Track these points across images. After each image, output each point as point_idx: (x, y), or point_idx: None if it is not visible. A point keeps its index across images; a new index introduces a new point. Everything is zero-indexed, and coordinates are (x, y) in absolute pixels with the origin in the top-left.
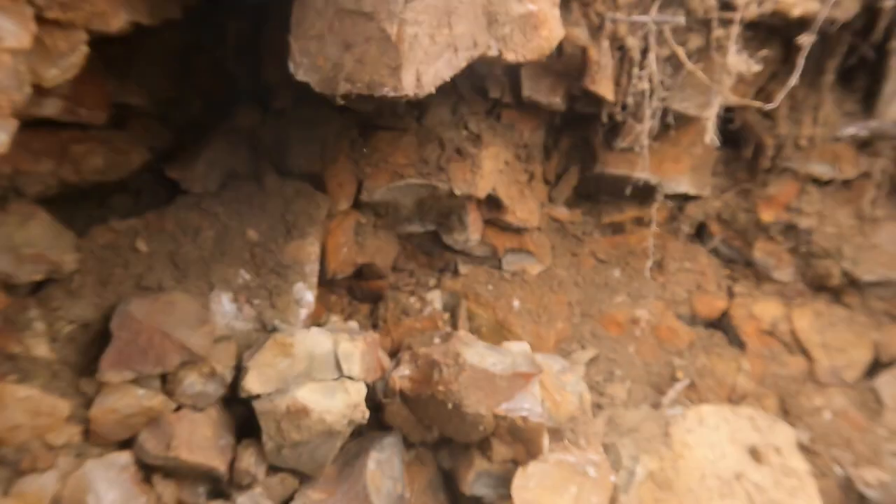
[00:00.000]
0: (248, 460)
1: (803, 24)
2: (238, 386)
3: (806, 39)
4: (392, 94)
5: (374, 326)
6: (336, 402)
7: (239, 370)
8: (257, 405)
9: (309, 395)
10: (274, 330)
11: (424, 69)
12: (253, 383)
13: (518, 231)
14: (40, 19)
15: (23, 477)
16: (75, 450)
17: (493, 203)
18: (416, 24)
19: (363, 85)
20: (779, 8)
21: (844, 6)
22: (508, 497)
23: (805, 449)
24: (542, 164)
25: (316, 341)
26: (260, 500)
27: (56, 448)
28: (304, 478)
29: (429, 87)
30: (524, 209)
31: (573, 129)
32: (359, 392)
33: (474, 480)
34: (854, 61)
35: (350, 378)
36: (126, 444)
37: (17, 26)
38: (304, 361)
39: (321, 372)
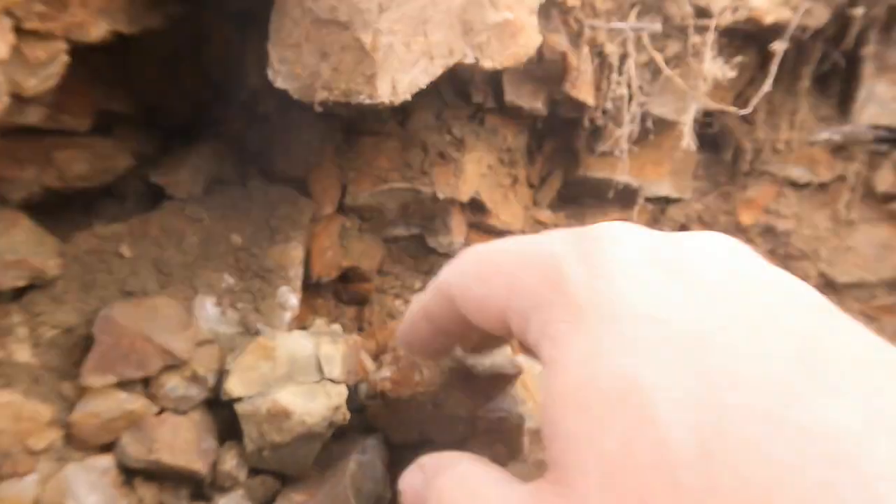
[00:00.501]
0: (230, 463)
1: (777, 31)
2: (220, 389)
3: (778, 46)
4: (368, 101)
5: (360, 329)
6: (317, 405)
7: (222, 373)
8: (239, 408)
9: (290, 398)
10: (257, 333)
11: (400, 77)
12: (235, 386)
13: (502, 234)
14: (18, 30)
15: (2, 482)
16: (56, 454)
17: (476, 207)
18: (390, 34)
19: (340, 93)
20: (752, 15)
21: (816, 14)
22: None
23: None
24: (526, 167)
25: (298, 344)
26: (241, 502)
27: (37, 453)
28: (285, 479)
29: (404, 94)
30: (508, 213)
31: (556, 133)
32: (339, 394)
33: None
34: (828, 67)
35: (331, 380)
36: (107, 448)
37: None
38: (285, 364)
39: (303, 374)
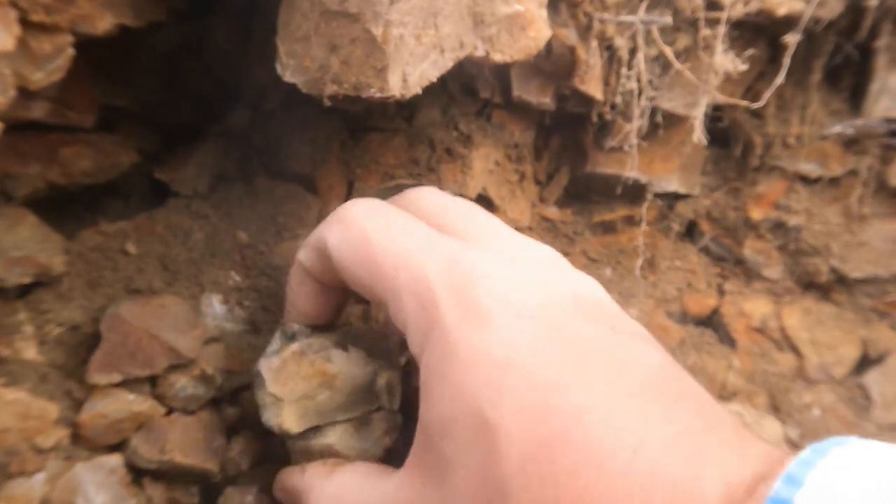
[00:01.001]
0: (236, 450)
1: (789, 23)
2: (265, 418)
3: (791, 39)
4: (378, 94)
5: None
6: (370, 444)
7: (251, 384)
8: (291, 444)
9: (343, 441)
10: (293, 337)
11: (410, 70)
12: (291, 421)
13: None
14: (24, 22)
15: (11, 480)
16: (64, 453)
17: (483, 203)
18: (401, 26)
19: (349, 86)
20: (764, 7)
21: (829, 5)
22: None
23: (794, 445)
24: (533, 164)
25: (358, 370)
26: (250, 490)
27: (45, 451)
28: None
29: (415, 87)
30: (515, 209)
31: (563, 128)
32: (395, 428)
33: None
34: (840, 60)
35: (389, 410)
36: (115, 447)
37: (1, 30)
38: (345, 394)
39: (360, 404)
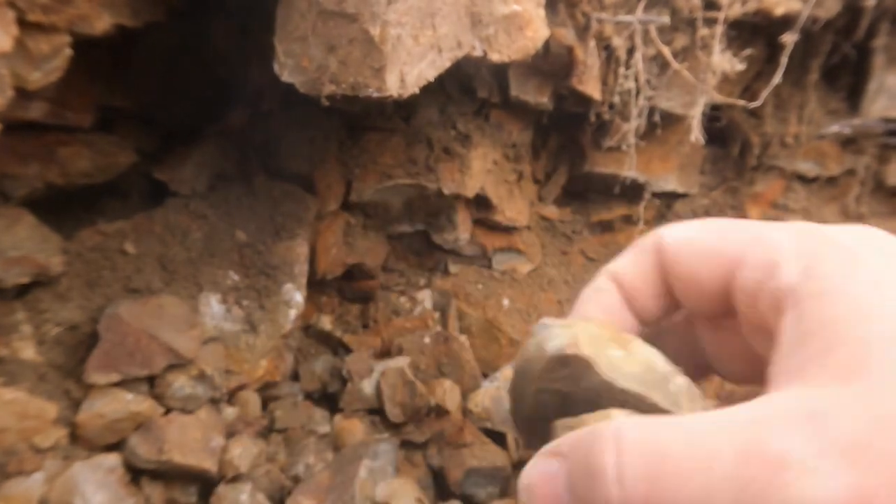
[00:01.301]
0: (234, 452)
1: (786, 22)
2: (552, 345)
3: (789, 38)
4: (376, 94)
5: (365, 326)
6: None
7: (528, 342)
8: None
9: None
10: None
11: (408, 70)
12: (586, 344)
13: (507, 230)
14: (22, 22)
15: (9, 479)
16: (62, 452)
17: (481, 203)
18: (399, 26)
19: (347, 86)
20: (762, 7)
21: (826, 5)
22: (498, 496)
23: None
24: (531, 163)
25: (654, 355)
26: (248, 491)
27: (43, 450)
28: (295, 480)
29: (412, 87)
30: (513, 208)
31: (561, 128)
32: None
33: (464, 479)
34: (837, 60)
35: None
36: (113, 447)
37: None
38: (639, 365)
39: (654, 389)
